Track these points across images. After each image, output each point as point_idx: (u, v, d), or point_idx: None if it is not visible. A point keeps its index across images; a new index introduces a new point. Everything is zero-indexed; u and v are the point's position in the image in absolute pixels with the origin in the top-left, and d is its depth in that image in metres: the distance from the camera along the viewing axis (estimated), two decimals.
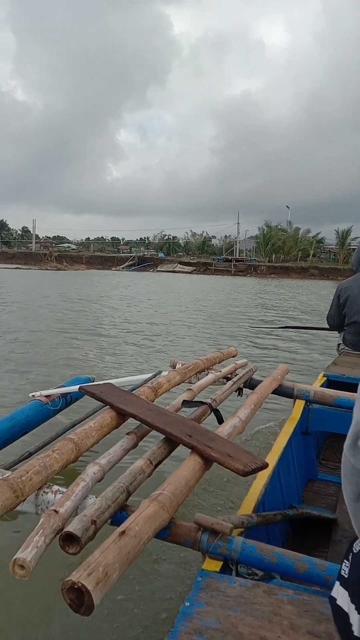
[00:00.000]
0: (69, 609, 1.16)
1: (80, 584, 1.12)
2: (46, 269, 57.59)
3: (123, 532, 1.32)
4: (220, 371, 3.49)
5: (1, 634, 2.15)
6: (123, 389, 2.65)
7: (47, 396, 4.02)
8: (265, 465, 1.93)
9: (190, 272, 67.25)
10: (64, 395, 4.15)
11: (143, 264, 72.59)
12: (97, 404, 2.52)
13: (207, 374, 3.47)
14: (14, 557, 1.28)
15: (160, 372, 3.59)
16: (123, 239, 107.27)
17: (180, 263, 72.70)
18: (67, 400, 4.25)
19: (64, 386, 4.29)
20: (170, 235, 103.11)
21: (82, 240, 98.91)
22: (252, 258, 77.55)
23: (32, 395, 4.03)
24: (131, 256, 76.46)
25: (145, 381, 3.35)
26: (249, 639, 1.19)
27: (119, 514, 1.62)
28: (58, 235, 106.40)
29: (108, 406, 2.29)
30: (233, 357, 4.16)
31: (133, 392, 2.78)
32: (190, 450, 1.95)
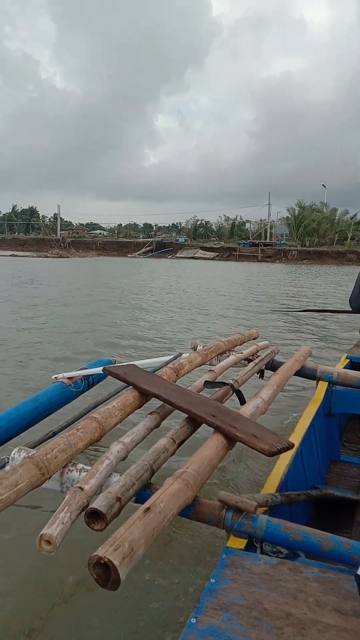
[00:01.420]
0: (95, 583, 1.17)
1: (106, 559, 1.13)
2: (46, 256, 53.76)
3: (148, 509, 1.32)
4: (242, 353, 3.47)
5: (28, 609, 2.20)
6: (145, 370, 2.65)
7: (69, 378, 4.06)
8: (290, 446, 1.92)
9: (212, 258, 62.09)
10: (86, 377, 4.18)
11: (161, 249, 67.98)
12: (120, 385, 2.53)
13: (228, 356, 3.46)
14: (41, 533, 1.30)
15: (181, 354, 3.59)
16: (156, 225, 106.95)
17: (202, 248, 67.08)
18: (90, 382, 4.28)
19: (86, 368, 4.32)
20: (203, 220, 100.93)
21: (113, 226, 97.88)
22: (282, 242, 71.23)
23: (55, 377, 4.06)
24: (149, 241, 71.70)
25: (167, 363, 3.35)
26: (275, 615, 1.19)
27: (143, 492, 1.63)
28: (91, 222, 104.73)
29: (131, 387, 2.30)
30: (254, 339, 4.14)
31: (155, 373, 2.79)
32: (213, 429, 1.95)
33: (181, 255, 64.58)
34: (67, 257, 54.67)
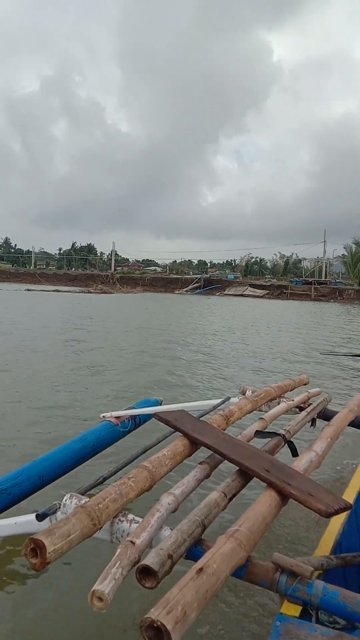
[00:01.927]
0: None
1: (159, 623, 1.10)
2: (89, 292, 52.09)
3: (201, 570, 1.29)
4: (293, 400, 3.40)
5: None
6: (193, 414, 2.63)
7: (117, 417, 4.08)
8: (348, 507, 1.84)
9: (261, 296, 58.94)
10: (133, 417, 4.20)
11: (209, 286, 65.71)
12: (167, 427, 2.51)
13: (278, 402, 3.40)
14: (93, 589, 1.28)
15: (229, 398, 3.55)
16: (210, 262, 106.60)
17: (252, 286, 64.26)
18: (136, 422, 4.29)
19: (134, 407, 4.33)
20: (257, 257, 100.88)
21: (168, 263, 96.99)
22: (337, 281, 67.98)
23: (103, 416, 4.09)
24: (196, 278, 69.54)
25: (215, 407, 3.32)
26: None
27: (194, 549, 1.59)
28: (147, 259, 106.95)
29: (180, 433, 2.28)
30: (305, 384, 4.06)
31: (203, 418, 2.77)
32: (265, 484, 1.90)
33: (229, 293, 62.04)
34: (111, 292, 53.23)
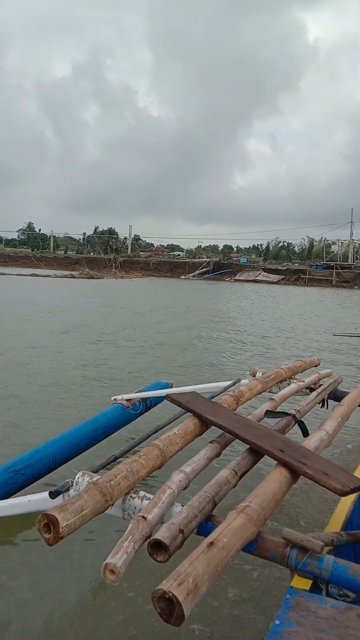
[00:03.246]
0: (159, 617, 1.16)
1: (171, 594, 1.12)
2: (72, 277, 44.57)
3: (211, 543, 1.31)
4: (303, 381, 3.40)
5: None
6: (204, 396, 2.64)
7: (128, 400, 4.11)
8: None
9: (276, 282, 52.91)
10: (144, 399, 4.23)
11: (219, 271, 59.56)
12: (178, 410, 2.53)
13: (289, 384, 3.40)
14: (105, 562, 1.30)
15: (239, 380, 3.55)
16: (237, 247, 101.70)
17: (266, 270, 57.66)
18: (147, 404, 4.32)
19: (144, 390, 4.36)
20: (285, 241, 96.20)
21: (193, 248, 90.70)
22: None
23: (114, 399, 4.13)
24: (205, 261, 62.35)
25: (226, 389, 3.33)
26: None
27: (205, 524, 1.61)
28: (172, 244, 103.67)
29: (191, 414, 2.30)
30: (316, 366, 4.05)
31: (214, 399, 2.78)
32: (275, 462, 1.91)
33: (241, 278, 55.99)
34: (100, 277, 45.86)
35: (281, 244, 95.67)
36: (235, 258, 74.97)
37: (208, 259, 64.04)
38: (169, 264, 63.88)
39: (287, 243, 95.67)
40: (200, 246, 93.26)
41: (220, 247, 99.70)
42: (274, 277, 54.80)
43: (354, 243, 72.26)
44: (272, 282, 53.01)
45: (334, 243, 79.98)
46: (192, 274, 58.49)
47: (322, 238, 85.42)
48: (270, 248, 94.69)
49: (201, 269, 59.88)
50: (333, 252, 78.54)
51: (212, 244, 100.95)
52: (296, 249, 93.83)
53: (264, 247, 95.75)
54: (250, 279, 54.80)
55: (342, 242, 75.91)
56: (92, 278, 44.49)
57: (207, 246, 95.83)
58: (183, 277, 57.14)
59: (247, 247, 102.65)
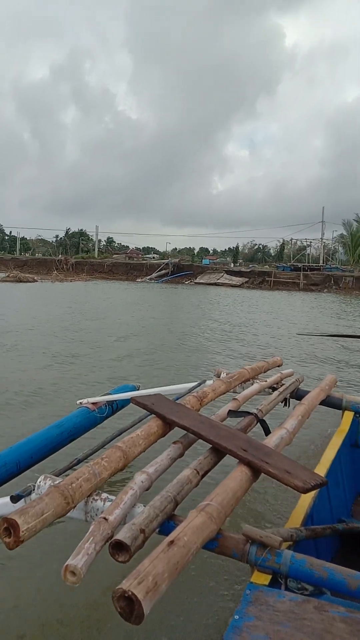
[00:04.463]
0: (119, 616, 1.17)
1: (130, 593, 1.13)
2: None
3: (172, 542, 1.32)
4: (266, 381, 3.46)
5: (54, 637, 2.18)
6: (168, 398, 2.66)
7: (93, 403, 4.09)
8: (324, 482, 1.90)
9: (239, 285, 49.02)
10: (110, 402, 4.21)
11: (179, 273, 54.44)
12: (143, 412, 2.54)
13: (252, 384, 3.45)
14: (66, 564, 1.31)
15: (204, 381, 3.59)
16: (214, 250, 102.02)
17: (228, 272, 53.49)
18: (114, 407, 4.29)
19: (110, 394, 4.34)
20: (260, 244, 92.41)
21: (168, 251, 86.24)
22: (333, 266, 56.02)
23: (80, 402, 4.10)
24: (163, 263, 56.87)
25: (190, 390, 3.35)
26: None
27: (166, 524, 1.63)
28: (148, 247, 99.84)
29: (154, 415, 2.31)
30: (279, 366, 4.12)
31: (179, 401, 2.80)
32: (237, 460, 1.94)
33: (201, 281, 51.53)
34: (30, 280, 40.37)
35: (256, 247, 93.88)
36: (211, 260, 70.23)
37: (167, 261, 58.71)
38: (125, 265, 59.05)
39: (262, 245, 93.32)
40: (176, 248, 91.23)
41: (197, 250, 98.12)
42: (237, 280, 50.79)
43: (325, 243, 69.01)
44: (236, 286, 49.02)
45: (309, 245, 75.40)
46: (149, 277, 53.96)
47: (295, 240, 79.40)
48: (246, 250, 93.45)
49: (159, 271, 55.21)
50: (309, 254, 74.58)
51: (189, 247, 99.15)
52: (271, 251, 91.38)
53: (239, 249, 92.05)
54: (211, 282, 50.73)
55: (317, 244, 71.53)
56: (20, 281, 39.04)
57: (182, 248, 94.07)
58: (139, 279, 52.95)
59: (223, 249, 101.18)
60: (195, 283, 51.34)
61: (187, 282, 51.89)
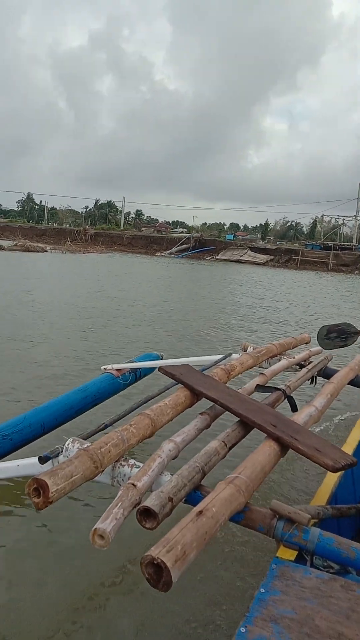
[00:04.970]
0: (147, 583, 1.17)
1: (159, 560, 1.13)
2: (2, 249, 35.36)
3: (200, 512, 1.32)
4: (294, 357, 3.41)
5: (82, 601, 2.22)
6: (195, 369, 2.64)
7: (118, 370, 4.11)
8: (354, 463, 1.87)
9: (263, 263, 45.24)
10: (134, 370, 4.22)
11: (200, 248, 51.06)
12: (168, 380, 2.53)
13: (279, 360, 3.41)
14: (94, 527, 1.31)
15: (230, 354, 3.56)
16: (244, 225, 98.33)
17: (252, 249, 49.24)
18: (137, 375, 4.32)
19: (135, 361, 4.36)
20: (293, 221, 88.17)
21: (197, 225, 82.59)
22: None
23: (104, 368, 4.12)
24: (184, 237, 53.08)
25: (216, 362, 3.33)
26: (326, 633, 1.16)
27: (193, 493, 1.62)
28: (177, 220, 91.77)
29: (182, 385, 2.30)
30: (306, 343, 4.07)
31: (205, 372, 2.78)
32: (264, 435, 1.92)
33: (223, 257, 48.10)
34: (39, 250, 37.47)
35: (289, 224, 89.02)
36: (241, 237, 67.48)
37: (188, 235, 55.46)
38: (145, 238, 55.52)
39: (295, 223, 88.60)
40: (205, 223, 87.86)
41: (227, 226, 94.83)
42: (261, 258, 47.11)
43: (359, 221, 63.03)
44: (259, 264, 45.56)
45: (343, 224, 69.24)
46: (169, 251, 50.83)
47: (329, 218, 73.45)
48: (278, 227, 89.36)
49: (179, 245, 51.78)
50: (342, 233, 68.85)
51: (219, 222, 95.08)
52: (304, 229, 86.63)
53: (270, 226, 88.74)
54: (234, 258, 47.25)
55: (351, 222, 65.48)
56: (28, 251, 36.37)
57: (212, 223, 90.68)
58: (159, 254, 49.90)
59: (255, 225, 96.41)
60: (217, 259, 48.20)
61: (208, 258, 48.90)
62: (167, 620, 2.10)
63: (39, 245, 40.94)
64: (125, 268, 28.03)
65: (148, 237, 56.11)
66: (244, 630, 1.15)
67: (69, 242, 48.37)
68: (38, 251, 37.40)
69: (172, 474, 1.64)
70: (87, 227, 60.82)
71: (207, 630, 2.06)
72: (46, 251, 38.78)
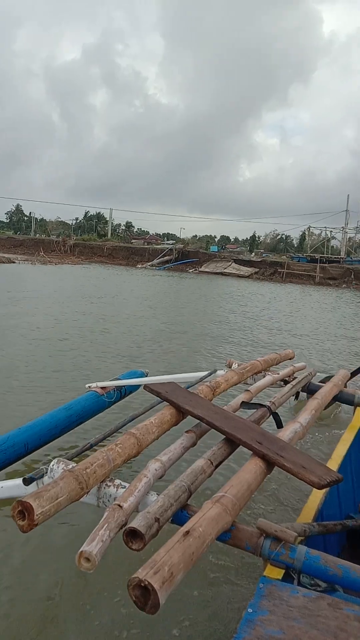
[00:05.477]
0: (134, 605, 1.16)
1: (147, 582, 1.12)
2: None
3: (187, 532, 1.31)
4: (278, 373, 3.43)
5: (63, 626, 2.18)
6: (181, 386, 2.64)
7: (102, 388, 4.09)
8: (340, 479, 1.88)
9: (248, 276, 44.51)
10: (119, 387, 4.21)
11: (183, 260, 49.60)
12: (154, 397, 2.52)
13: (264, 376, 3.43)
14: (80, 550, 1.29)
15: (215, 371, 3.57)
16: (235, 238, 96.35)
17: (237, 262, 48.26)
18: (122, 392, 4.30)
19: (120, 379, 4.34)
20: (283, 234, 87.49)
21: (189, 238, 79.01)
22: (355, 259, 50.38)
23: (89, 387, 4.10)
24: (167, 249, 51.86)
25: (202, 379, 3.33)
26: None
27: (180, 513, 1.62)
28: (169, 232, 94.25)
29: (168, 403, 2.29)
30: (290, 359, 4.09)
31: (190, 389, 2.78)
32: (250, 452, 1.93)
33: (207, 270, 46.71)
34: (4, 261, 35.32)
35: (279, 236, 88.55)
36: (231, 249, 65.97)
37: (170, 246, 53.57)
38: (127, 250, 53.84)
39: (285, 235, 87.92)
40: (196, 236, 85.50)
41: (218, 238, 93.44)
42: (245, 270, 45.80)
43: (348, 234, 61.91)
44: (243, 276, 44.36)
45: (333, 237, 67.36)
46: (151, 263, 49.06)
47: (319, 232, 70.77)
48: (268, 240, 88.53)
49: (161, 257, 50.17)
50: (333, 246, 67.10)
51: (210, 234, 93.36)
52: (294, 242, 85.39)
53: (260, 238, 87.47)
54: (217, 271, 45.80)
55: (340, 235, 62.64)
56: None
57: (203, 236, 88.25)
58: (140, 265, 48.09)
59: (245, 238, 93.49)
60: (200, 271, 46.46)
61: (191, 270, 46.95)
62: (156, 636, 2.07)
63: (5, 256, 39.00)
64: (88, 281, 24.59)
65: (129, 249, 54.35)
66: None
67: (42, 253, 46.51)
68: (3, 262, 35.23)
69: (158, 494, 1.64)
70: (65, 237, 58.97)
71: None
72: (14, 262, 36.92)
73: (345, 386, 3.45)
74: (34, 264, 36.94)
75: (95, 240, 59.66)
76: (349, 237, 64.20)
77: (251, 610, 1.29)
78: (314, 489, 2.14)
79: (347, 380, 3.48)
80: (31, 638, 2.05)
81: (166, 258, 50.04)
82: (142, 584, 1.13)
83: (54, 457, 1.93)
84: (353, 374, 3.64)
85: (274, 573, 1.50)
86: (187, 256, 50.74)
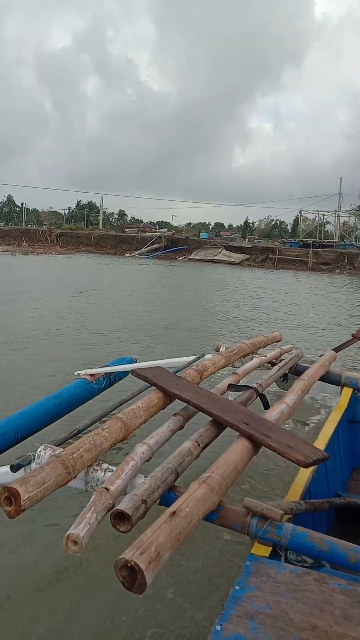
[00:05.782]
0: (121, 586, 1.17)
1: (133, 563, 1.13)
2: None
3: (174, 513, 1.32)
4: (266, 356, 3.45)
5: (52, 609, 2.20)
6: (169, 371, 2.65)
7: (91, 375, 4.08)
8: (326, 457, 1.90)
9: (238, 263, 43.16)
10: (108, 374, 4.21)
11: (173, 248, 48.20)
12: (142, 383, 2.53)
13: (251, 358, 3.44)
14: (67, 533, 1.30)
15: (203, 355, 3.58)
16: (229, 225, 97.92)
17: (227, 248, 46.77)
18: (111, 379, 4.30)
19: (108, 366, 4.34)
20: (278, 220, 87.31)
21: (183, 225, 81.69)
22: (349, 243, 48.87)
23: (77, 374, 4.09)
24: (155, 236, 50.08)
25: (190, 363, 3.34)
26: (301, 626, 1.18)
27: (167, 495, 1.63)
28: (162, 221, 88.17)
29: (155, 387, 2.30)
30: (278, 342, 4.11)
31: (178, 374, 2.79)
32: (237, 434, 1.94)
33: (196, 257, 45.34)
34: None
35: (273, 222, 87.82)
36: (225, 236, 64.79)
37: (159, 233, 51.84)
38: (115, 238, 51.84)
39: (280, 221, 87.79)
40: (190, 223, 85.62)
41: (212, 225, 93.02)
42: (236, 257, 44.54)
43: (341, 218, 61.03)
44: (234, 263, 43.00)
45: (327, 222, 65.77)
46: (139, 251, 47.71)
47: (314, 216, 68.97)
48: (263, 226, 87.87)
49: (150, 245, 48.64)
50: (327, 231, 65.88)
51: (204, 222, 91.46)
52: (289, 227, 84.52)
53: (255, 224, 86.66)
54: (207, 258, 44.66)
55: (334, 219, 61.65)
56: None
57: (197, 223, 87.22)
58: (128, 254, 46.67)
59: (240, 224, 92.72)
60: (190, 259, 45.21)
61: (180, 258, 45.65)
62: (148, 621, 2.10)
63: None
64: (62, 273, 22.98)
65: (117, 237, 52.50)
66: (219, 628, 1.16)
67: (25, 244, 44.81)
68: None
69: (145, 476, 1.65)
70: (51, 227, 56.66)
71: (184, 630, 2.06)
72: None
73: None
74: (14, 254, 35.22)
75: (82, 229, 58.07)
76: (343, 222, 62.70)
77: (238, 588, 1.31)
78: (301, 468, 2.16)
79: (334, 360, 3.51)
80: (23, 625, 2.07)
81: (155, 246, 48.68)
82: (129, 565, 1.14)
83: (41, 444, 1.93)
84: (337, 350, 3.67)
85: (261, 551, 1.52)
86: (177, 244, 49.63)
